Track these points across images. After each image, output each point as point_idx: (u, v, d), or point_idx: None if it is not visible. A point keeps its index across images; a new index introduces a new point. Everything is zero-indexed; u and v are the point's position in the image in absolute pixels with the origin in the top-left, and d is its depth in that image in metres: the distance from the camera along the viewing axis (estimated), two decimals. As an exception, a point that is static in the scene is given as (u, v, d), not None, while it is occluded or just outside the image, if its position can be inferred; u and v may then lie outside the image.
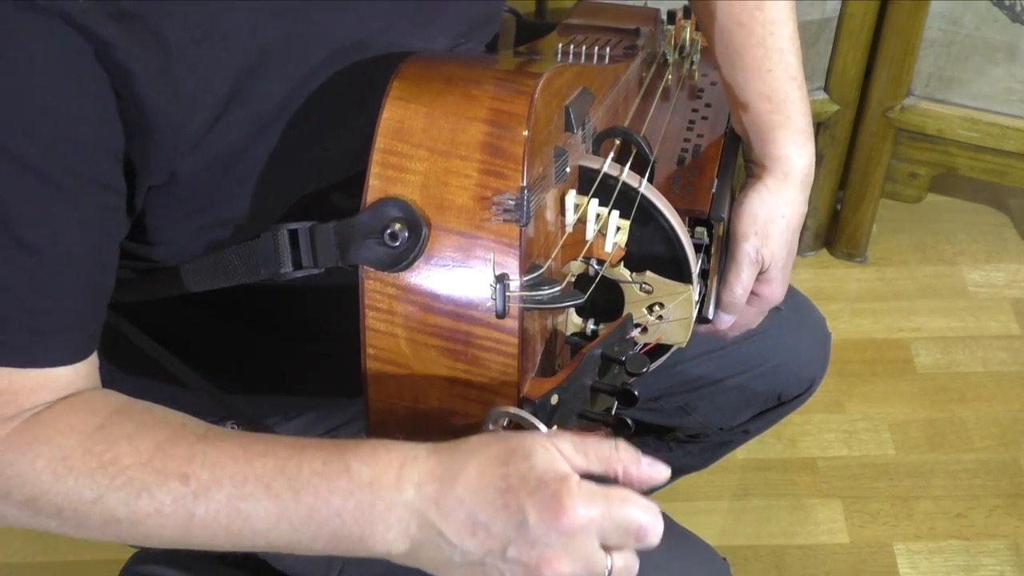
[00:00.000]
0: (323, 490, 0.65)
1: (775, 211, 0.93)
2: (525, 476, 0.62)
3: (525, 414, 0.67)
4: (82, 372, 0.72)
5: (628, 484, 0.65)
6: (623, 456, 0.65)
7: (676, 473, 1.42)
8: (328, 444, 0.67)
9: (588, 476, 0.64)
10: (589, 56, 0.91)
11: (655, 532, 0.64)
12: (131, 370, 0.89)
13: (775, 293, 0.95)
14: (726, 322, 0.93)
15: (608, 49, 0.95)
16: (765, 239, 0.92)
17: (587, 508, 0.62)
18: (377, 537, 0.65)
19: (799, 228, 0.95)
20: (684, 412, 1.19)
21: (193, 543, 0.69)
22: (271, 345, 0.90)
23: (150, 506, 0.67)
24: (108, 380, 0.92)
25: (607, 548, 0.64)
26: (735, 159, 0.98)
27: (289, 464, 0.66)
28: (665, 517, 1.03)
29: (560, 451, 0.63)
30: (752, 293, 0.94)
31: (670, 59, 1.10)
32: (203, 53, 0.69)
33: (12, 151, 0.65)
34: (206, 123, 0.71)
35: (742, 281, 0.92)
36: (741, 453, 1.64)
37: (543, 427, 0.67)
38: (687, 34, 1.13)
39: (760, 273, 0.93)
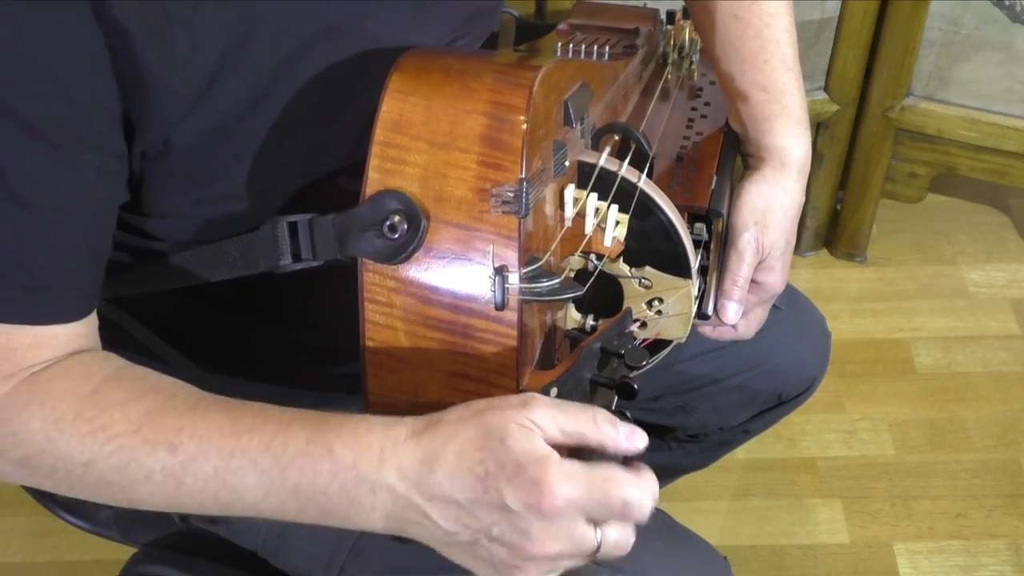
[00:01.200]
0: (307, 470, 0.66)
1: (774, 200, 0.93)
2: (502, 460, 0.62)
3: None
4: (80, 332, 0.73)
5: (606, 455, 0.65)
6: (602, 428, 0.65)
7: (676, 473, 1.43)
8: (313, 420, 0.68)
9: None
10: (588, 54, 0.91)
11: (641, 507, 0.64)
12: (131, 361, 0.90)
13: (776, 282, 0.95)
14: (733, 312, 0.92)
15: (607, 48, 0.95)
16: (764, 228, 0.93)
17: (567, 489, 0.62)
18: (364, 516, 0.66)
19: (797, 216, 0.96)
20: (684, 412, 1.19)
21: (184, 509, 0.70)
22: (271, 339, 0.90)
23: (139, 473, 0.68)
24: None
25: (596, 523, 0.64)
26: (734, 156, 0.98)
27: (275, 441, 0.67)
28: (666, 516, 1.03)
29: (537, 425, 0.63)
30: (754, 282, 0.94)
31: (669, 59, 1.10)
32: (200, 16, 0.70)
33: (8, 107, 0.66)
34: (199, 87, 0.71)
35: (743, 270, 0.92)
36: (741, 453, 1.64)
37: None
38: (686, 34, 1.13)
39: (760, 262, 0.94)
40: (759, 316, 0.98)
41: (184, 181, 0.76)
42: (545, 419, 0.64)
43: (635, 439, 0.66)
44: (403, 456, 0.65)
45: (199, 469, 0.67)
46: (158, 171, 0.75)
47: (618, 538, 0.65)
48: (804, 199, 0.97)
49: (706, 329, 0.96)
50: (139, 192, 0.76)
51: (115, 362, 0.74)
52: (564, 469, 0.62)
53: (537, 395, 0.66)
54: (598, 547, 0.64)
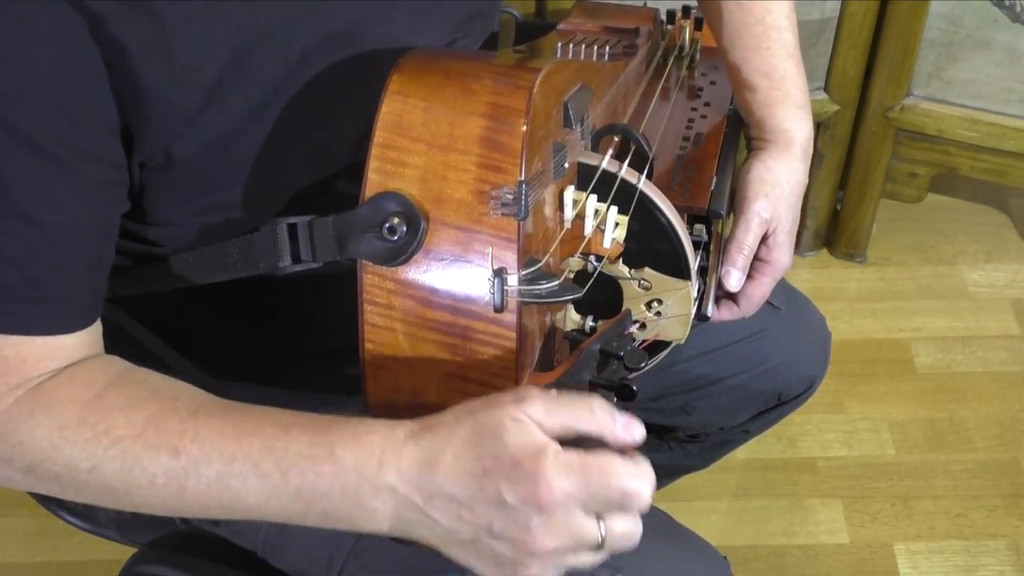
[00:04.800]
0: (309, 473, 0.66)
1: (780, 176, 0.95)
2: (498, 456, 0.62)
3: None
4: (85, 340, 0.74)
5: (603, 445, 0.64)
6: (598, 417, 0.65)
7: (676, 473, 1.43)
8: (314, 423, 0.68)
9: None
10: (588, 54, 0.91)
11: (641, 496, 0.63)
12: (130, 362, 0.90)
13: (782, 258, 0.96)
14: (735, 279, 0.92)
15: (607, 48, 0.95)
16: (771, 201, 0.94)
17: (563, 482, 0.61)
18: (366, 517, 0.66)
19: (801, 196, 0.98)
20: (684, 412, 1.19)
21: (188, 512, 0.70)
22: (270, 340, 0.90)
23: (143, 477, 0.68)
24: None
25: (599, 516, 0.64)
26: (734, 157, 0.98)
27: (276, 444, 0.67)
28: (666, 516, 1.03)
29: (531, 418, 0.63)
30: (762, 260, 0.95)
31: (670, 59, 1.10)
32: (198, 31, 0.70)
33: (8, 123, 0.66)
34: (200, 101, 0.71)
35: (749, 239, 0.93)
36: (741, 453, 1.64)
37: None
38: (687, 34, 1.13)
39: (768, 237, 0.95)
40: (762, 294, 0.98)
41: (185, 192, 0.76)
42: (539, 411, 0.63)
43: (632, 429, 0.65)
44: (403, 457, 0.65)
45: (202, 473, 0.67)
46: (159, 182, 0.75)
47: (624, 530, 0.65)
48: (807, 181, 0.99)
49: (713, 311, 0.96)
50: (140, 201, 0.76)
51: (118, 366, 0.74)
52: (560, 461, 0.62)
53: (531, 388, 0.65)
54: (603, 540, 0.64)
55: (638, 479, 0.63)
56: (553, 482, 0.61)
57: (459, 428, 0.64)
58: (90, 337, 0.74)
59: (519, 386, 0.68)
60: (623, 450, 0.65)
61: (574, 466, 0.62)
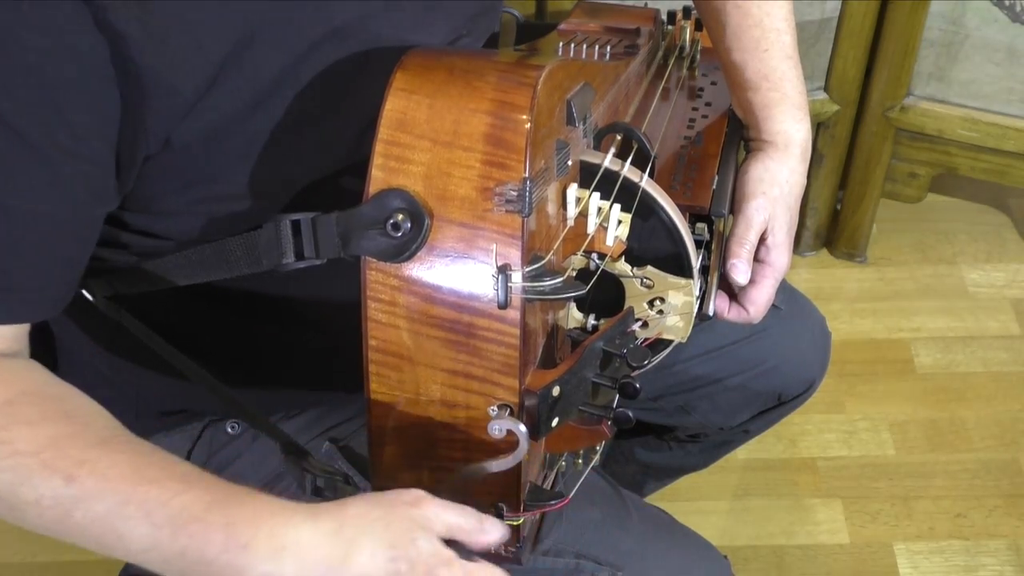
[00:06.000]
0: (199, 537, 0.66)
1: (779, 176, 0.95)
2: (414, 561, 0.65)
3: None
4: (9, 335, 0.73)
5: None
6: (469, 524, 0.69)
7: (676, 473, 1.43)
8: (219, 488, 0.68)
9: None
10: (590, 54, 0.91)
11: None
12: (133, 363, 0.89)
13: (781, 259, 0.96)
14: (742, 272, 0.92)
15: (609, 48, 0.95)
16: (770, 200, 0.94)
17: None
18: None
19: (800, 197, 0.98)
20: (684, 412, 1.19)
21: (67, 539, 0.69)
22: (272, 338, 0.90)
23: (31, 495, 0.67)
24: (110, 371, 0.92)
25: None
26: (735, 156, 0.98)
27: (175, 500, 0.66)
28: (666, 516, 1.03)
29: (428, 519, 0.67)
30: (762, 261, 0.95)
31: (670, 59, 1.11)
32: (202, 17, 0.70)
33: None
34: (200, 87, 0.71)
35: (751, 235, 0.93)
36: (741, 453, 1.64)
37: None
38: (687, 34, 1.13)
39: (767, 238, 0.94)
40: (767, 297, 0.98)
41: (185, 178, 0.76)
42: (432, 515, 0.67)
43: (497, 532, 0.70)
44: (309, 552, 0.65)
45: (90, 507, 0.67)
46: (159, 168, 0.75)
47: None
48: (806, 182, 0.99)
49: (722, 308, 0.96)
50: (140, 190, 0.76)
51: (37, 376, 0.74)
52: (466, 569, 0.67)
53: (423, 494, 0.69)
54: None
55: None
56: None
57: (369, 527, 0.66)
58: (17, 332, 0.73)
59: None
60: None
61: (474, 573, 0.67)
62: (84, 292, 0.84)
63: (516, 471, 0.71)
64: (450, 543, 0.68)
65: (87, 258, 0.75)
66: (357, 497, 0.69)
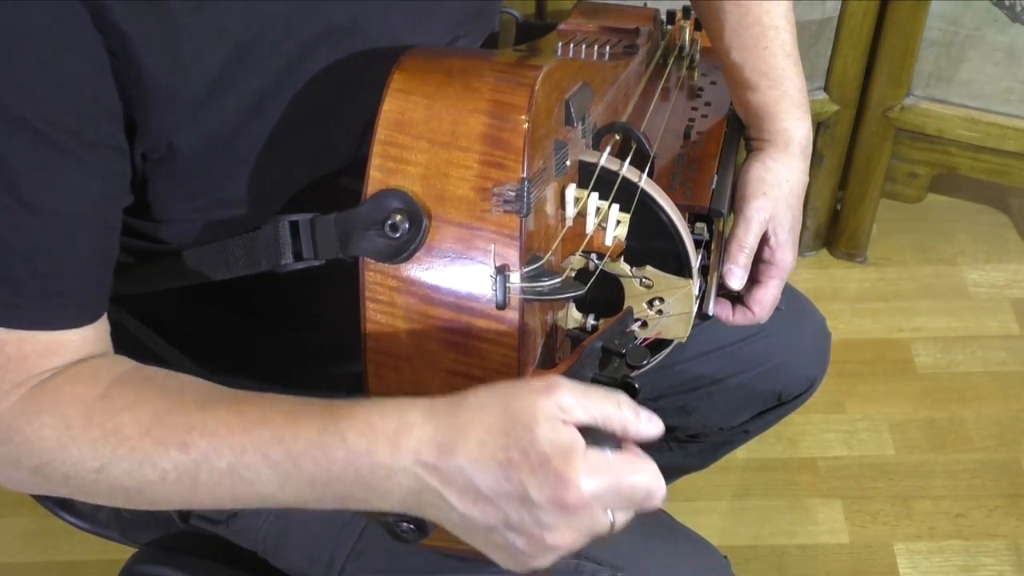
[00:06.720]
0: (322, 460, 0.65)
1: (780, 175, 0.95)
2: (527, 450, 0.61)
3: None
4: (91, 337, 0.73)
5: (626, 438, 0.65)
6: (625, 414, 0.64)
7: (676, 473, 1.43)
8: (323, 409, 0.67)
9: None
10: (589, 54, 0.91)
11: (660, 494, 0.64)
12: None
13: (786, 258, 0.96)
14: (738, 278, 0.92)
15: (608, 48, 0.95)
16: (771, 200, 0.94)
17: (592, 484, 0.61)
18: (381, 498, 0.65)
19: (802, 195, 0.98)
20: (684, 412, 1.19)
21: (202, 504, 0.70)
22: (271, 338, 0.90)
23: (153, 474, 0.68)
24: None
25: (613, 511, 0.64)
26: (735, 156, 0.98)
27: (286, 434, 0.66)
28: (666, 516, 1.03)
29: (563, 409, 0.62)
30: (766, 262, 0.95)
31: (670, 59, 1.11)
32: (201, 21, 0.70)
33: (13, 113, 0.66)
34: (203, 92, 0.71)
35: (750, 238, 0.93)
36: (741, 453, 1.64)
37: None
38: (686, 34, 1.13)
39: (770, 238, 0.94)
40: (773, 296, 0.97)
41: (189, 187, 0.76)
42: (570, 403, 0.63)
43: (654, 425, 0.66)
44: (420, 440, 0.64)
45: (213, 466, 0.67)
46: (163, 176, 0.75)
47: (626, 520, 0.65)
48: (808, 180, 0.98)
49: (725, 312, 0.96)
50: (146, 198, 0.76)
51: (123, 364, 0.74)
52: (590, 462, 0.62)
53: (560, 377, 0.65)
54: (610, 531, 0.64)
55: (658, 478, 0.64)
56: (582, 485, 0.61)
57: (486, 414, 0.63)
58: (95, 334, 0.73)
59: (547, 373, 0.67)
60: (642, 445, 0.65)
61: (602, 468, 0.62)
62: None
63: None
64: (596, 435, 0.63)
65: (116, 256, 0.75)
66: (481, 387, 0.65)
